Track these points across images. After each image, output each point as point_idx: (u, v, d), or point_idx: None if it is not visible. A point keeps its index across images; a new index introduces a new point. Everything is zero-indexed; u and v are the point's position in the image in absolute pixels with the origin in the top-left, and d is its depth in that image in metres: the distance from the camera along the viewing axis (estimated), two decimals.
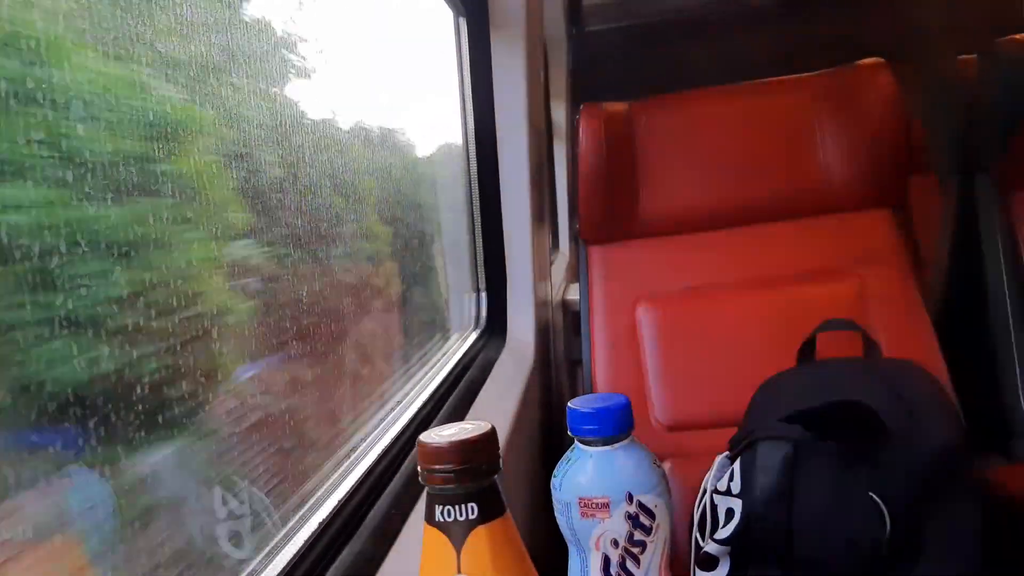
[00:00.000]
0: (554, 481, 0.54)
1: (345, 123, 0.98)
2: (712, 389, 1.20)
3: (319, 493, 0.71)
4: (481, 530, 0.40)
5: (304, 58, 0.84)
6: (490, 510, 0.40)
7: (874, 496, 0.71)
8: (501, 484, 0.41)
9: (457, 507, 0.40)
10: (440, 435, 0.41)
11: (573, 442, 0.55)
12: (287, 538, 0.62)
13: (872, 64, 1.29)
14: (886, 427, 0.71)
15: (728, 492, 0.76)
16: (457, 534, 0.40)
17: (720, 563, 0.74)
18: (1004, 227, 1.30)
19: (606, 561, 0.52)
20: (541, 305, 1.45)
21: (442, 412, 0.99)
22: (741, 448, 0.78)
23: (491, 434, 0.41)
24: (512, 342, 1.38)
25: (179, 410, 0.57)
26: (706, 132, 1.35)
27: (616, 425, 0.52)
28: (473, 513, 0.40)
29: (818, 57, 1.51)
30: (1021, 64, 1.20)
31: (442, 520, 0.40)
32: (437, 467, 0.40)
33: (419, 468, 0.41)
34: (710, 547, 0.74)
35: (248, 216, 0.70)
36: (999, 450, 1.26)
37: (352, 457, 0.80)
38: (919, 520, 0.70)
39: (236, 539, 0.62)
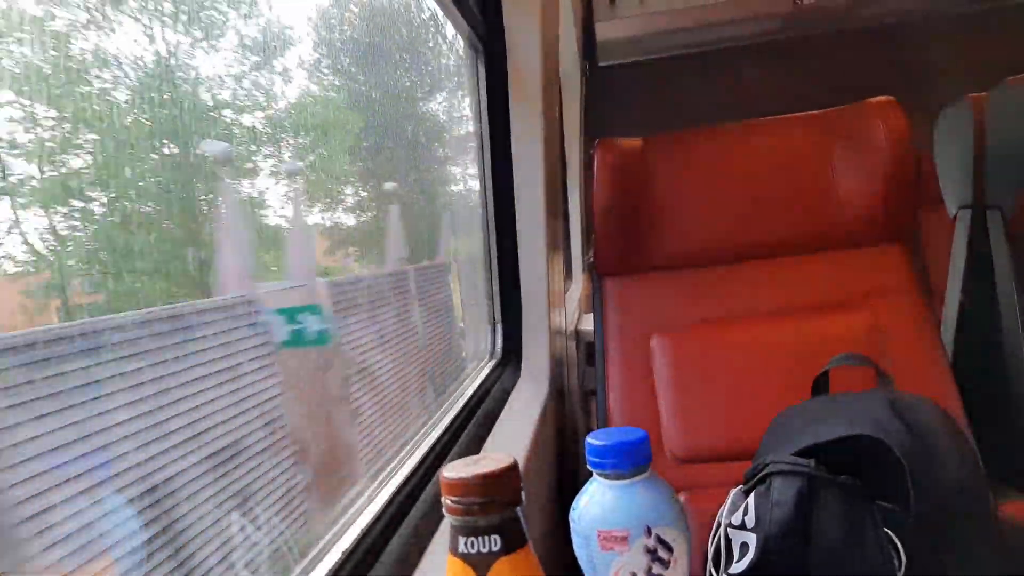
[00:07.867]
0: (573, 513, 0.55)
1: None
2: (726, 422, 1.21)
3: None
4: (504, 561, 0.41)
5: None
6: (513, 541, 0.41)
7: (888, 532, 0.71)
8: (523, 515, 0.42)
9: (481, 538, 0.41)
10: (464, 467, 0.42)
11: (590, 474, 0.56)
12: (311, 566, 0.63)
13: (883, 102, 1.31)
14: (901, 462, 0.71)
15: (743, 526, 0.77)
16: (481, 565, 0.41)
17: None
18: (1016, 262, 1.31)
19: None
20: (556, 335, 1.46)
21: (460, 442, 1.00)
22: (755, 482, 0.79)
23: (513, 466, 0.42)
24: (527, 372, 1.39)
25: None
26: (720, 168, 1.37)
27: (635, 459, 0.53)
28: (496, 544, 0.41)
29: (831, 93, 1.54)
30: None
31: (466, 551, 0.41)
32: (461, 499, 0.41)
33: (443, 500, 0.42)
34: None
35: None
36: (1015, 485, 1.26)
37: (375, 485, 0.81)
38: (934, 557, 0.71)
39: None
